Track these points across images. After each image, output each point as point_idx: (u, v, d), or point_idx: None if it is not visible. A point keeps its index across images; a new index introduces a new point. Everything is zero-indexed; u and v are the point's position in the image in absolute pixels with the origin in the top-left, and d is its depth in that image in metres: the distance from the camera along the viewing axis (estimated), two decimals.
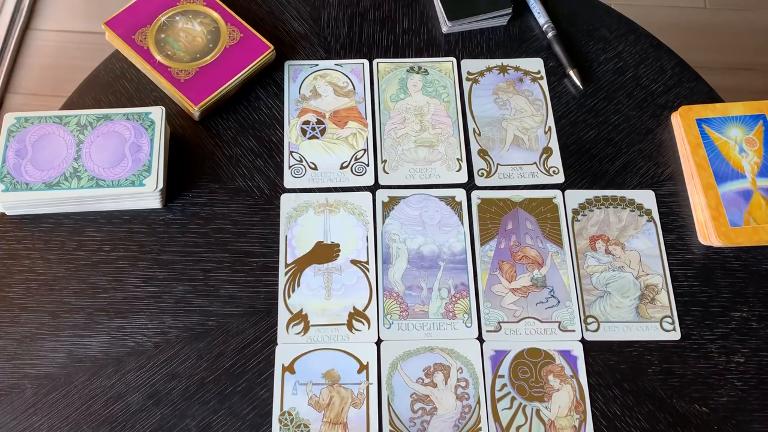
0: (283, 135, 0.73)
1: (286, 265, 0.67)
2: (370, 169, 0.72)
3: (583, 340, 0.65)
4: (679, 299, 0.67)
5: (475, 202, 0.71)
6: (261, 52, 0.74)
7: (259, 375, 0.62)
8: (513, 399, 0.62)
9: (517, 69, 0.78)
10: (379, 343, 0.64)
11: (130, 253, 0.67)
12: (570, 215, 0.70)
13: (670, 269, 0.68)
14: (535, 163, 0.73)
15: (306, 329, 0.64)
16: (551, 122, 0.75)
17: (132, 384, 0.61)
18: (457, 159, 0.73)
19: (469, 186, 0.71)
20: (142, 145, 0.68)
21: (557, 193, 0.71)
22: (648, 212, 0.71)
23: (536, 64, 0.79)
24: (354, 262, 0.67)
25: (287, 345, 0.64)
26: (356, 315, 0.65)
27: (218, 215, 0.69)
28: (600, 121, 0.76)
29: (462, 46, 0.79)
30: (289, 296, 0.66)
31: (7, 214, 0.68)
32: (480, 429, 0.61)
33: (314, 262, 0.67)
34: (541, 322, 0.65)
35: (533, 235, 0.69)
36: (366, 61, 0.78)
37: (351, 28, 0.80)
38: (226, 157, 0.72)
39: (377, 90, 0.76)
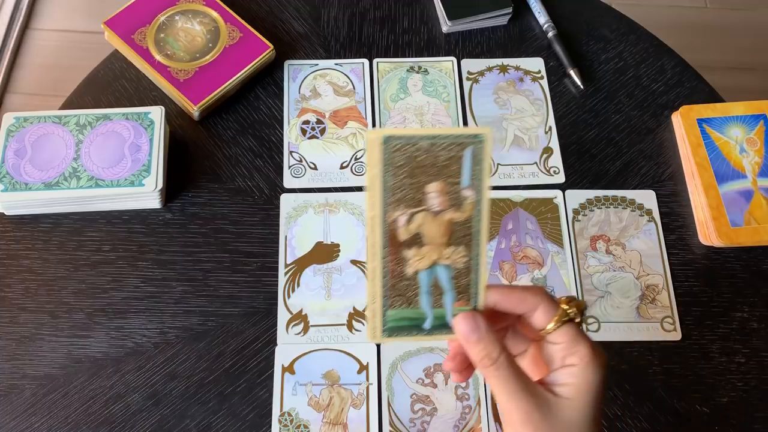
0: (282, 135, 0.73)
1: (286, 266, 0.67)
2: None
3: None
4: (680, 299, 0.67)
5: None
6: (261, 52, 0.74)
7: (259, 375, 0.62)
8: None
9: (517, 69, 0.78)
10: (379, 343, 0.64)
11: (130, 253, 0.67)
12: (570, 215, 0.70)
13: (670, 269, 0.68)
14: (536, 163, 0.73)
15: (306, 329, 0.64)
16: (552, 122, 0.75)
17: (131, 384, 0.61)
18: None
19: None
20: (141, 145, 0.68)
21: (558, 193, 0.71)
22: (648, 212, 0.71)
23: (536, 64, 0.78)
24: (354, 262, 0.67)
25: (287, 345, 0.63)
26: (356, 315, 0.65)
27: (218, 215, 0.69)
28: (600, 120, 0.75)
29: (462, 46, 0.79)
30: (288, 296, 0.65)
31: (6, 214, 0.68)
32: (480, 429, 0.61)
33: (314, 262, 0.67)
34: None
35: (534, 235, 0.69)
36: (366, 61, 0.78)
37: (351, 27, 0.80)
38: (225, 157, 0.72)
39: (377, 90, 0.76)
